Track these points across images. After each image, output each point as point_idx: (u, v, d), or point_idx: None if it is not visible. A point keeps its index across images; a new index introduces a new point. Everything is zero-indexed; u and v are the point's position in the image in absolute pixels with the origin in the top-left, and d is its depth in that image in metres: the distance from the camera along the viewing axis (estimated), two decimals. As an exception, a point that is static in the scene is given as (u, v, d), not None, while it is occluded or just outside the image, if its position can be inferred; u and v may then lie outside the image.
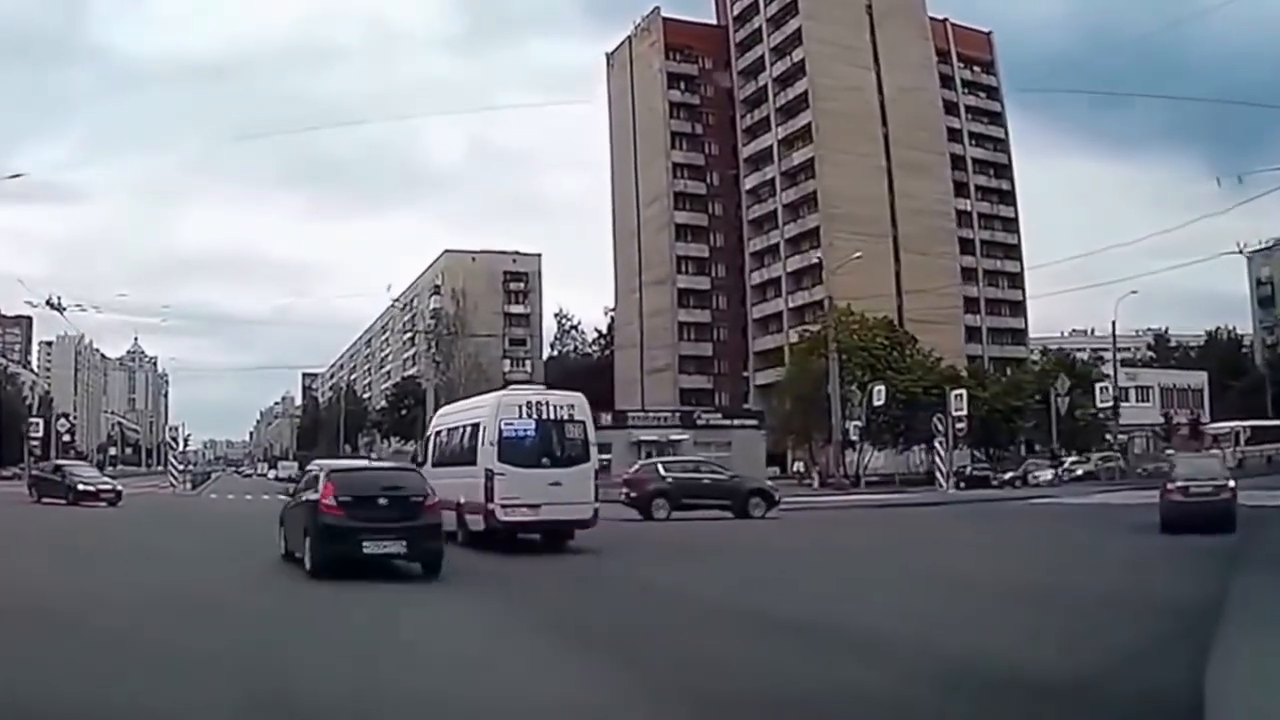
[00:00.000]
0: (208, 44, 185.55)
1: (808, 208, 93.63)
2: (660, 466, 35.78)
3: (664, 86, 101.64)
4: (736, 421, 77.95)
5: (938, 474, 47.53)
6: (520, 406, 21.09)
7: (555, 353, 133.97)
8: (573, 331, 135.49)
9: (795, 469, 70.60)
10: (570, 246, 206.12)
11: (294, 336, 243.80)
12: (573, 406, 21.46)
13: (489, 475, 20.26)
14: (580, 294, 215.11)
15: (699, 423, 77.27)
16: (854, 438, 65.81)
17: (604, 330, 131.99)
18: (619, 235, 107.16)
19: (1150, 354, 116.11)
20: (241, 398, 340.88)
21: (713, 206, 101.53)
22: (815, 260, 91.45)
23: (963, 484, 60.40)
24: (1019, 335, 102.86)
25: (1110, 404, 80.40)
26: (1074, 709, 8.28)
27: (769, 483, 38.97)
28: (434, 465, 23.24)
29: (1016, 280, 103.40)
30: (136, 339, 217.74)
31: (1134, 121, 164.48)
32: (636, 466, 37.07)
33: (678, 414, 78.71)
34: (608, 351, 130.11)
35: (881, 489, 61.90)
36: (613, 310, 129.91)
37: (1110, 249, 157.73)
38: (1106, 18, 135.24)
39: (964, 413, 50.36)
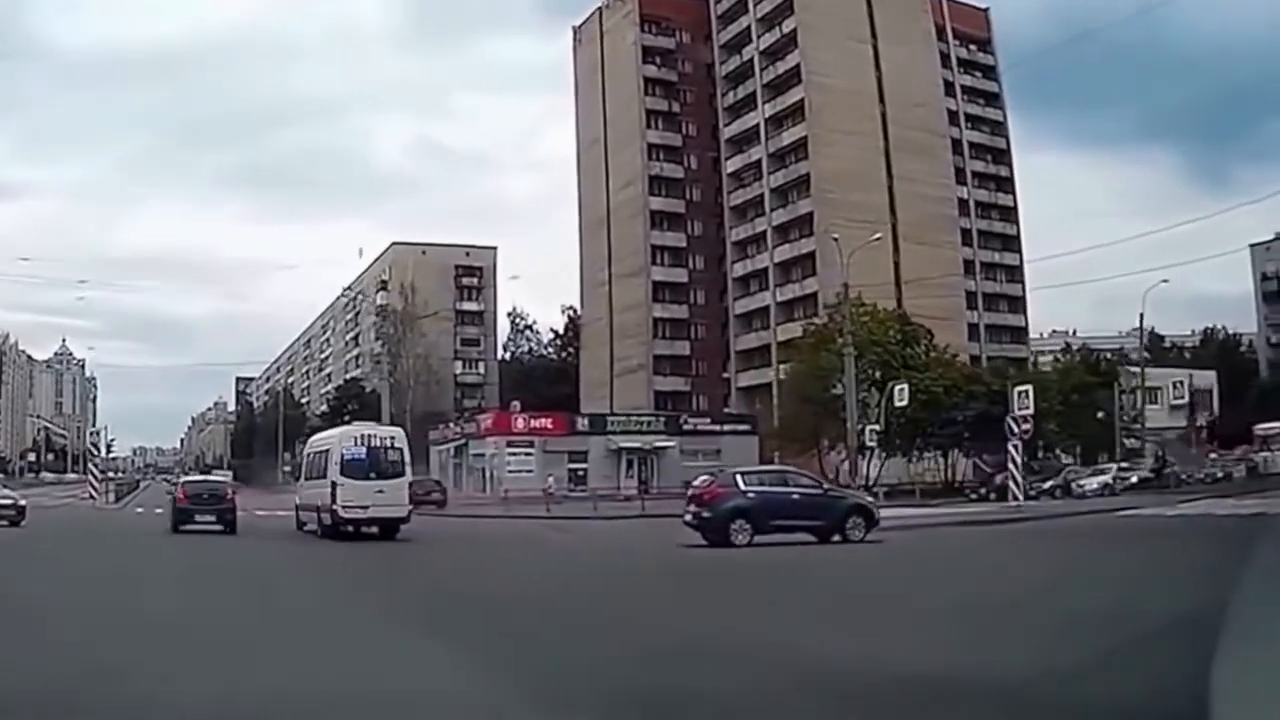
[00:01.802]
0: (150, 42, 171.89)
1: (798, 192, 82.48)
2: (740, 478, 26.07)
3: (639, 61, 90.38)
4: (727, 427, 66.37)
5: (1011, 485, 36.68)
6: (356, 437, 28.14)
7: (508, 354, 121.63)
8: (527, 331, 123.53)
9: None
10: (524, 251, 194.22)
11: (232, 341, 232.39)
12: (393, 438, 28.46)
13: (334, 485, 26.57)
14: (534, 299, 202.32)
15: (686, 428, 65.53)
16: (871, 443, 54.20)
17: (561, 331, 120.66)
18: (586, 224, 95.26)
19: (1146, 355, 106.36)
20: (175, 403, 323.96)
21: (690, 192, 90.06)
22: (806, 250, 79.93)
23: (992, 495, 50.49)
24: (1019, 334, 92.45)
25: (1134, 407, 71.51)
26: None
27: (868, 497, 30.51)
28: (305, 479, 31.04)
29: (1016, 274, 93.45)
30: (65, 341, 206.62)
31: (1113, 120, 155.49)
32: (706, 479, 27.54)
33: (662, 418, 66.95)
34: (565, 353, 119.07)
35: (916, 501, 51.52)
36: (570, 309, 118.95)
37: (1086, 250, 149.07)
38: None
39: (1030, 411, 39.39)
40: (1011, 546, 25.30)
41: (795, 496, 25.50)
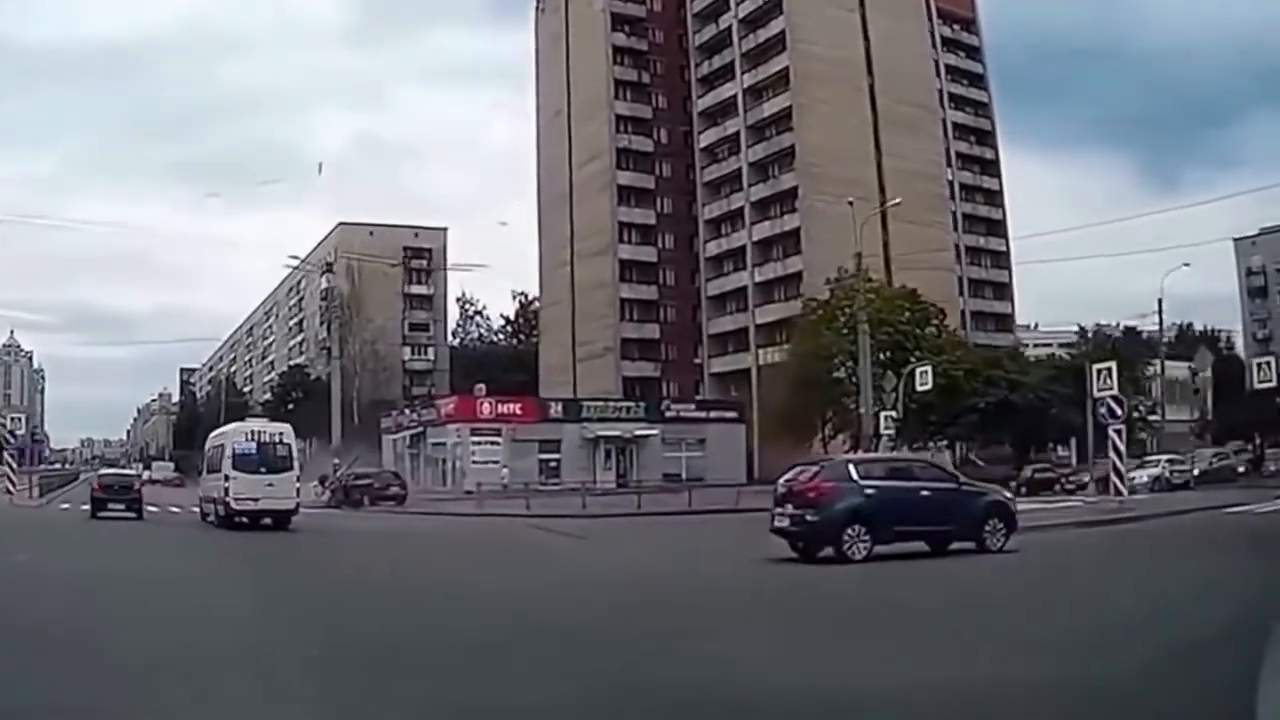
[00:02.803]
0: (93, 36, 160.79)
1: (779, 166, 75.31)
2: (854, 469, 18.83)
3: (608, 29, 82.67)
4: (713, 414, 58.72)
5: (1115, 478, 29.35)
6: (247, 433, 28.94)
7: (457, 341, 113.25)
8: (477, 318, 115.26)
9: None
10: (473, 241, 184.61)
11: (179, 332, 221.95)
12: (281, 434, 29.13)
13: (226, 478, 27.23)
14: (481, 288, 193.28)
15: (668, 415, 57.86)
16: (888, 431, 46.95)
17: (512, 317, 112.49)
18: (546, 201, 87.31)
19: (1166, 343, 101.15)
20: (124, 395, 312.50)
21: (660, 167, 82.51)
22: (790, 227, 72.76)
23: (1023, 489, 44.34)
24: (1005, 321, 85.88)
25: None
26: None
27: (1005, 493, 21.43)
28: (206, 473, 31.81)
29: (1002, 260, 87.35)
30: (12, 333, 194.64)
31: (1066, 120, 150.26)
32: (807, 470, 19.34)
33: (642, 405, 59.22)
34: (516, 340, 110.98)
35: None
36: (521, 294, 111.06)
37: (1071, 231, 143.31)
38: None
39: (1114, 392, 32.27)
40: (1179, 554, 18.65)
41: (925, 493, 18.42)
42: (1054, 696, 7.22)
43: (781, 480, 19.22)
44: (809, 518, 17.66)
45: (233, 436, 28.78)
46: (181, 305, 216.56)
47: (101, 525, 29.43)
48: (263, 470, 27.22)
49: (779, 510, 18.29)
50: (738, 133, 78.41)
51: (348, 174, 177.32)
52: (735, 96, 78.70)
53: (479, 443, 54.39)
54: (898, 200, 51.90)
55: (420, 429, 60.65)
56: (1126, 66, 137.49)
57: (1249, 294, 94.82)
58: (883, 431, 47.87)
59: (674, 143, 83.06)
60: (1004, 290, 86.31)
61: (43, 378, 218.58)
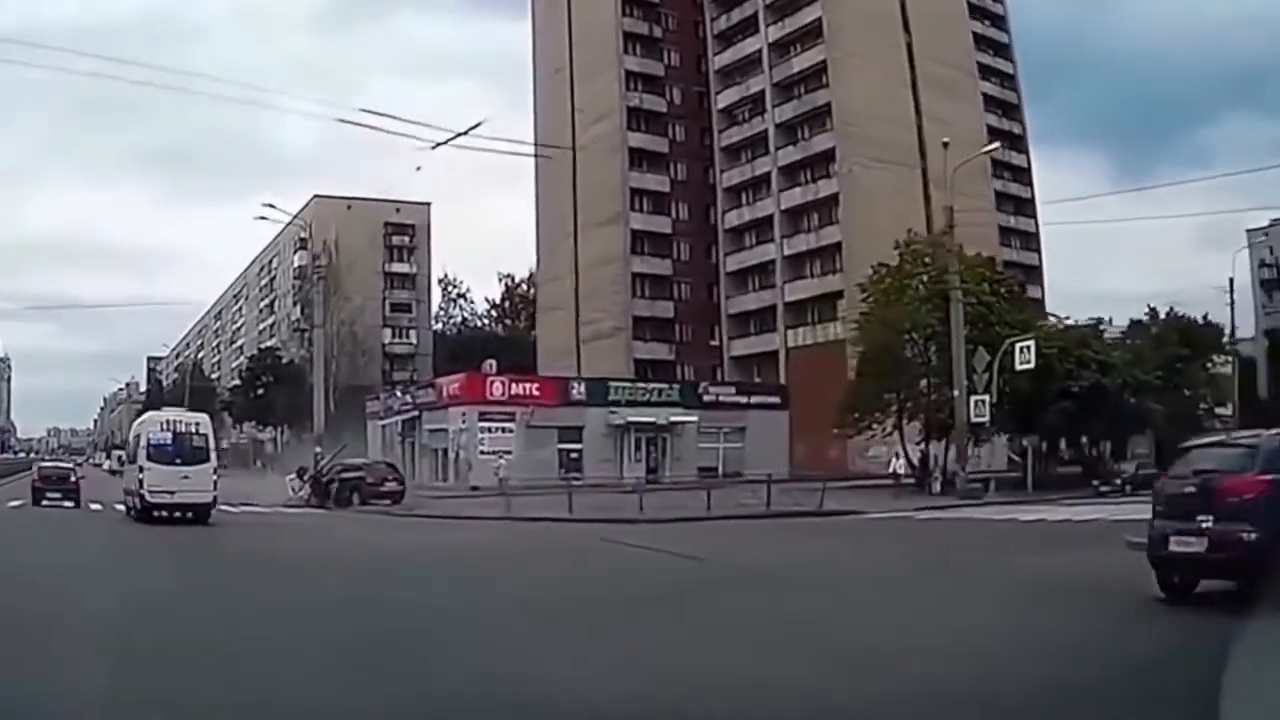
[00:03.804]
0: (57, 22, 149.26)
1: (810, 127, 66.40)
2: None
3: (617, -25, 72.33)
4: (754, 399, 49.40)
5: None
6: (162, 423, 27.09)
7: (440, 326, 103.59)
8: (460, 301, 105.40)
9: (890, 466, 41.45)
10: (451, 225, 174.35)
11: (147, 322, 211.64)
12: (198, 423, 27.20)
13: (141, 470, 25.64)
14: (465, 272, 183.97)
15: (706, 399, 48.39)
16: (981, 418, 37.60)
17: (498, 300, 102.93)
18: (545, 171, 76.89)
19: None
20: (92, 385, 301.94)
21: (673, 130, 72.31)
22: (825, 193, 63.63)
23: (1128, 487, 38.13)
24: (1038, 305, 76.54)
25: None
26: None
27: None
28: (128, 463, 30.99)
29: (1032, 241, 78.05)
30: None
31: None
32: (1230, 456, 10.96)
33: (677, 387, 49.77)
34: (502, 324, 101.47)
35: (1055, 496, 37.19)
36: (508, 277, 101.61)
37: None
38: None
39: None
40: None
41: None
42: None
43: (1172, 477, 11.47)
44: (1247, 536, 9.42)
45: (148, 427, 26.99)
46: (152, 294, 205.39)
47: (20, 515, 29.80)
48: (178, 462, 25.49)
49: (1173, 524, 10.49)
50: (761, 91, 69.31)
51: (319, 162, 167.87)
52: (759, 52, 69.62)
53: (489, 429, 44.71)
54: (995, 145, 42.17)
55: (415, 413, 50.76)
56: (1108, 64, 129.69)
57: (1262, 285, 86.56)
58: (976, 419, 39.05)
59: (687, 104, 73.78)
60: (1034, 274, 77.52)
61: (9, 367, 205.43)
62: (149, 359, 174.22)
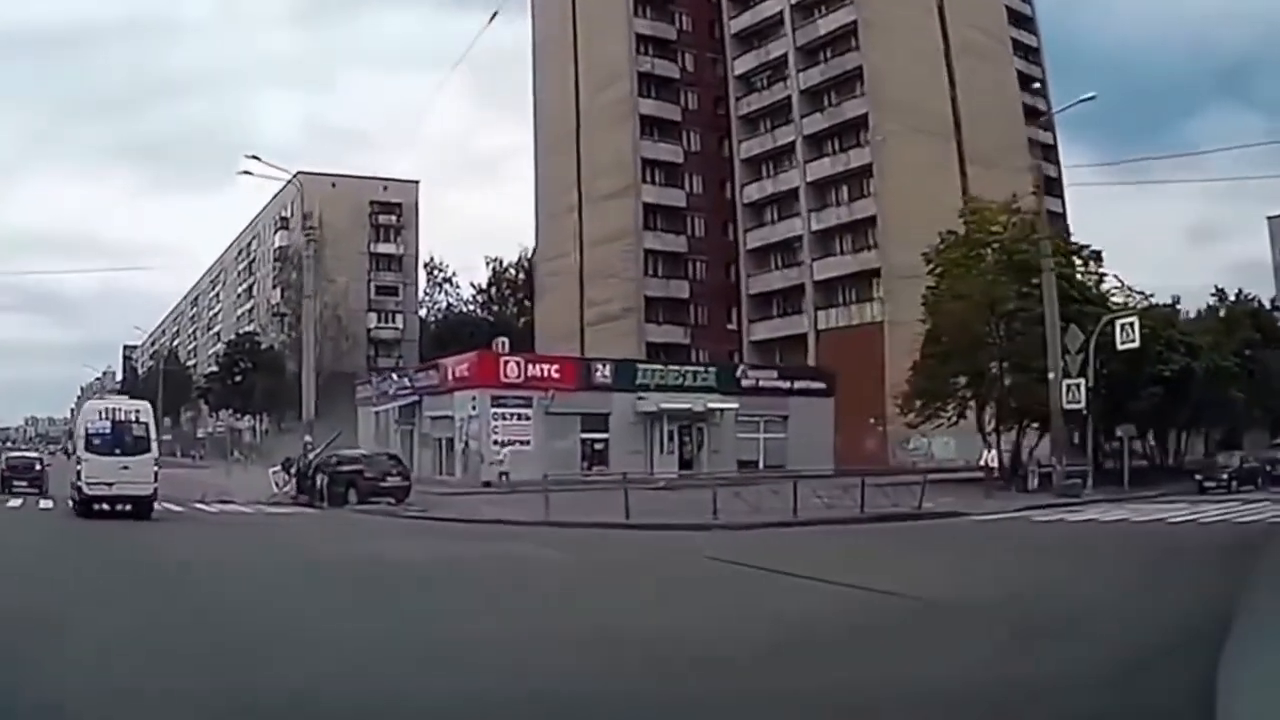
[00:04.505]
0: (34, 18, 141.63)
1: (838, 93, 59.93)
2: None
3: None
4: (797, 384, 43.30)
5: None
6: (100, 411, 24.86)
7: (425, 311, 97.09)
8: (446, 285, 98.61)
9: (983, 459, 35.22)
10: (435, 211, 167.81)
11: (128, 311, 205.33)
12: (138, 411, 24.75)
13: (79, 461, 24.05)
14: (450, 256, 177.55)
15: (745, 383, 42.27)
16: (1076, 404, 32.80)
17: (485, 285, 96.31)
18: (545, 139, 70.84)
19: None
20: (72, 375, 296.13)
21: (686, 98, 65.99)
22: (857, 164, 57.76)
23: (1234, 482, 34.79)
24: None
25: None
26: None
27: None
28: (70, 454, 32.38)
29: (1058, 222, 71.55)
30: None
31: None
32: None
33: (713, 370, 43.60)
34: (489, 310, 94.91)
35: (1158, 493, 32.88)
36: (495, 260, 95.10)
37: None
38: None
39: None
40: None
41: None
42: None
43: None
44: None
45: (87, 415, 25.20)
46: (128, 286, 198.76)
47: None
48: (117, 452, 23.59)
49: None
50: (783, 56, 63.31)
51: (295, 155, 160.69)
52: (781, 14, 63.61)
53: (502, 416, 38.21)
54: (1092, 95, 35.98)
55: (415, 399, 44.12)
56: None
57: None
58: (1071, 406, 33.32)
59: (700, 70, 67.66)
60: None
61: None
62: (125, 347, 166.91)
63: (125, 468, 23.30)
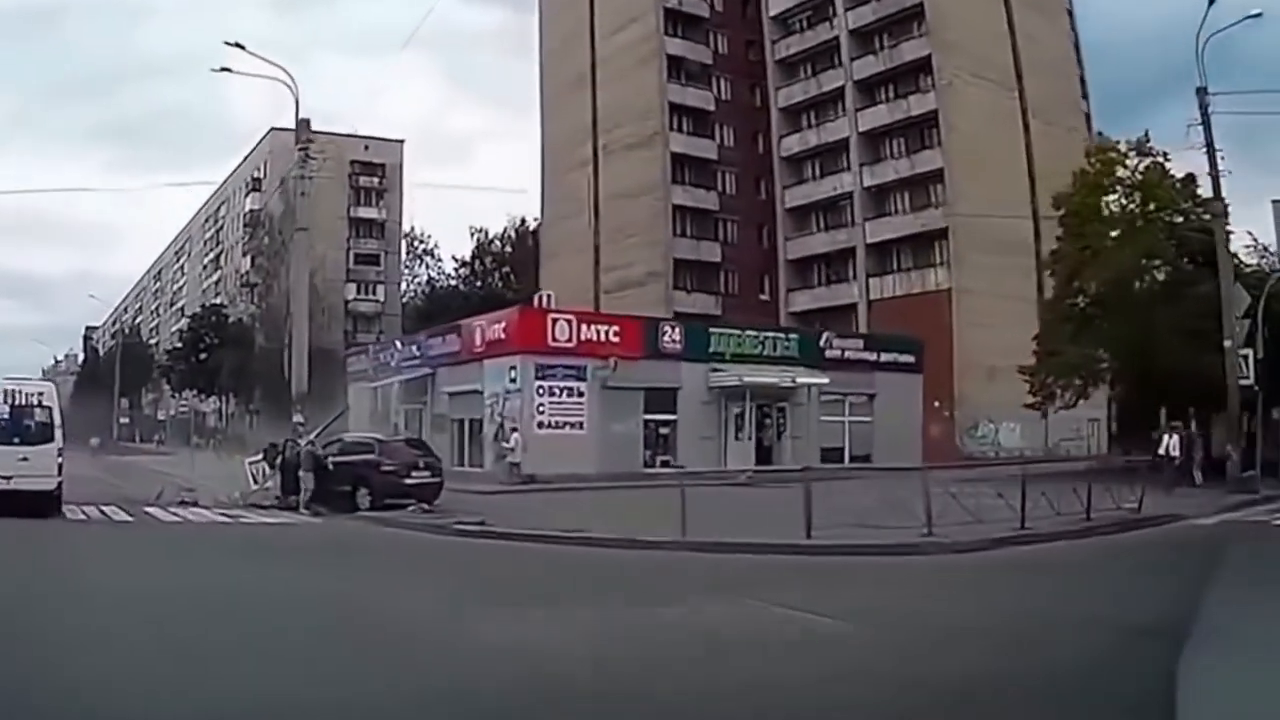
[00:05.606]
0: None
1: (892, 33, 51.43)
2: None
3: None
4: (883, 357, 34.96)
5: None
6: None
7: (405, 285, 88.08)
8: (428, 258, 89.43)
9: (1164, 447, 26.88)
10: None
11: (98, 294, 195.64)
12: (41, 394, 21.48)
13: None
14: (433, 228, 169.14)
15: (829, 356, 33.84)
16: (1246, 380, 26.29)
17: (468, 258, 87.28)
18: (553, 87, 61.98)
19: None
20: (36, 358, 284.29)
21: (715, 41, 57.38)
22: (917, 112, 49.64)
23: None
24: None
25: None
26: None
27: None
28: None
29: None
30: None
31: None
32: None
33: (794, 338, 35.03)
34: (477, 285, 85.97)
35: None
36: (480, 230, 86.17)
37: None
38: None
39: None
40: None
41: None
42: None
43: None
44: None
45: None
46: (96, 270, 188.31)
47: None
48: (15, 441, 19.82)
49: None
50: (831, -11, 54.64)
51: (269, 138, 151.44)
52: (824, -56, 54.79)
53: (550, 391, 29.37)
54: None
55: (426, 372, 35.16)
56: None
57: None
58: (1244, 382, 25.90)
59: (729, 11, 58.86)
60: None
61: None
62: (86, 328, 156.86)
63: (24, 459, 19.83)
